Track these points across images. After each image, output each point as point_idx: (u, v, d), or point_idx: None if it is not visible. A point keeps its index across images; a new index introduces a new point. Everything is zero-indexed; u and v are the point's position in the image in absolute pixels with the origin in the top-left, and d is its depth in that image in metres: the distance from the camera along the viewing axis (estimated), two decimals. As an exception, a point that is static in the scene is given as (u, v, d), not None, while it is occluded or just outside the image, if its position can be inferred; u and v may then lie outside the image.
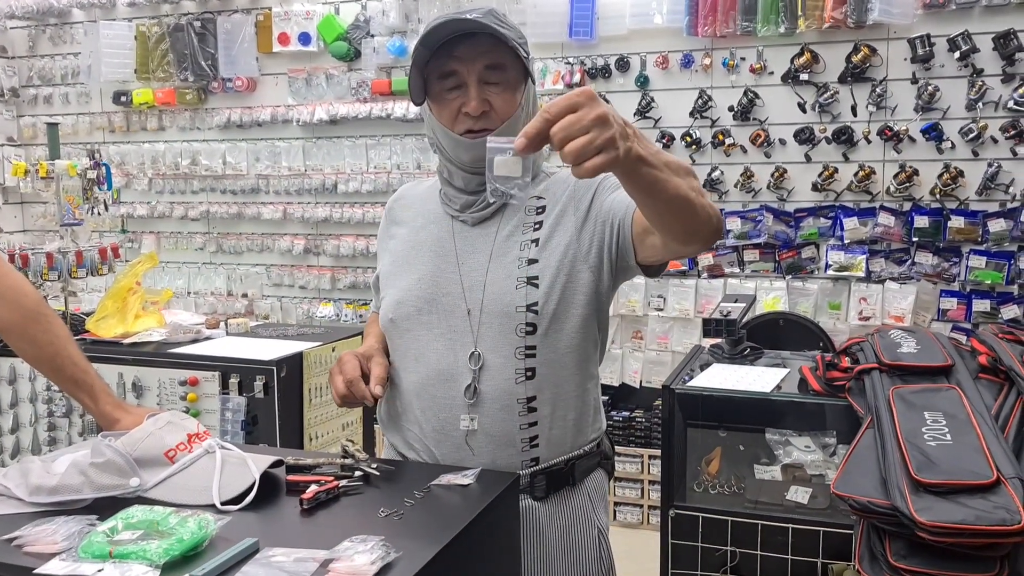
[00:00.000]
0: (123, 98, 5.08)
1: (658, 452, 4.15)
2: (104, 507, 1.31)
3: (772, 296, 4.09)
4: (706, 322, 2.26)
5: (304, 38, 4.73)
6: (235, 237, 5.03)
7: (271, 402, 2.46)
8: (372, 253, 4.75)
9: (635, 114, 4.26)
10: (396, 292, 1.61)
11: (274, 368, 2.46)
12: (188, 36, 4.90)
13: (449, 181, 1.61)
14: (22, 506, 1.34)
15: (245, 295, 4.99)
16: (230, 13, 4.87)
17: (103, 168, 2.81)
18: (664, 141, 4.23)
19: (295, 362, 2.54)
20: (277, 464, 1.44)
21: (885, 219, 3.90)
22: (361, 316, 4.76)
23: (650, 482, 4.25)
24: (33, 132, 5.34)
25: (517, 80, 1.52)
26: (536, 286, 1.51)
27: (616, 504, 4.30)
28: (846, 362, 1.90)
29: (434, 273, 1.58)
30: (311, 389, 2.58)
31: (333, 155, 4.78)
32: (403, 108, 4.54)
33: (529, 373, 1.51)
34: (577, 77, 4.32)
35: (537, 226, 1.56)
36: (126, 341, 2.69)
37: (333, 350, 2.68)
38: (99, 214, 2.85)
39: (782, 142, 4.07)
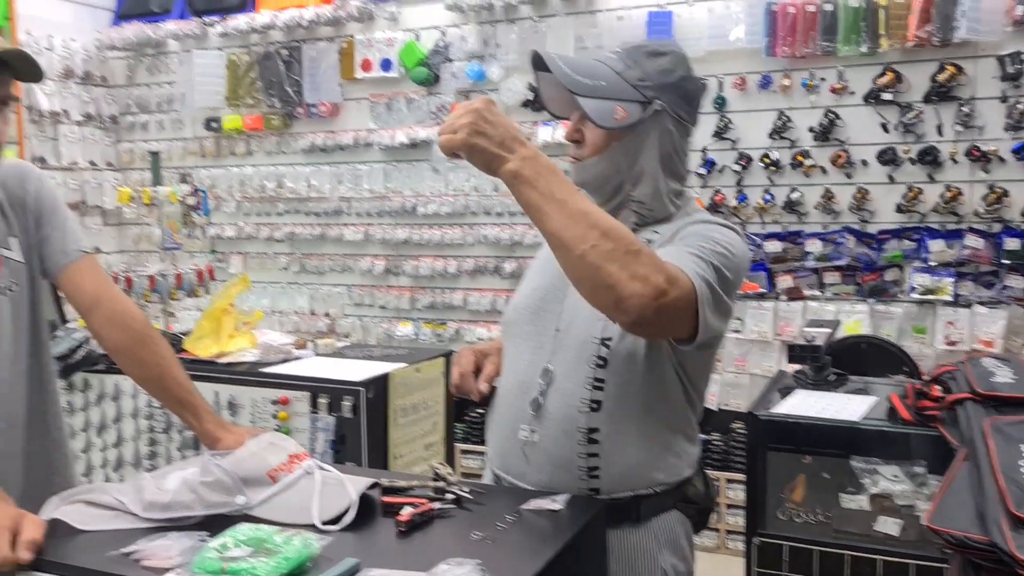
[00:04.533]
0: (214, 124, 5.29)
1: (736, 476, 4.13)
2: (212, 524, 1.38)
3: (854, 319, 4.02)
4: (791, 348, 2.25)
5: (386, 64, 4.86)
6: (318, 258, 5.17)
7: (358, 422, 2.53)
8: (450, 274, 4.83)
9: (712, 135, 4.25)
10: (516, 297, 1.68)
11: (362, 389, 2.53)
12: (276, 64, 5.08)
13: None
14: (136, 521, 1.41)
15: (327, 314, 5.12)
16: (315, 41, 5.04)
17: (200, 195, 2.95)
18: (742, 163, 4.20)
19: (381, 383, 2.61)
20: (372, 486, 1.49)
21: (973, 241, 3.80)
22: (439, 335, 4.83)
23: (728, 506, 4.20)
24: (130, 157, 5.60)
25: None
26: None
27: (693, 528, 4.25)
28: (937, 391, 1.86)
29: (546, 288, 1.62)
30: (396, 410, 2.64)
31: (413, 178, 4.89)
32: (481, 131, 4.61)
33: (595, 405, 1.51)
34: (654, 99, 4.32)
35: None
36: (221, 360, 2.80)
37: (417, 371, 2.75)
38: (197, 239, 2.98)
39: (864, 163, 4.00)
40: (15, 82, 1.73)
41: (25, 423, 1.84)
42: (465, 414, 4.57)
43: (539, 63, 1.54)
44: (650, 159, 1.54)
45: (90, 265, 1.91)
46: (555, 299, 1.59)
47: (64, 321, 2.25)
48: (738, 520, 4.06)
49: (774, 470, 2.10)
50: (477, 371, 1.68)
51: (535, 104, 4.56)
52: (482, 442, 4.58)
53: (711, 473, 4.16)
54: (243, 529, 1.31)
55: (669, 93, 1.54)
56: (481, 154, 1.33)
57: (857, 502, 2.02)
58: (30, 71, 1.70)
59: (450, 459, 3.04)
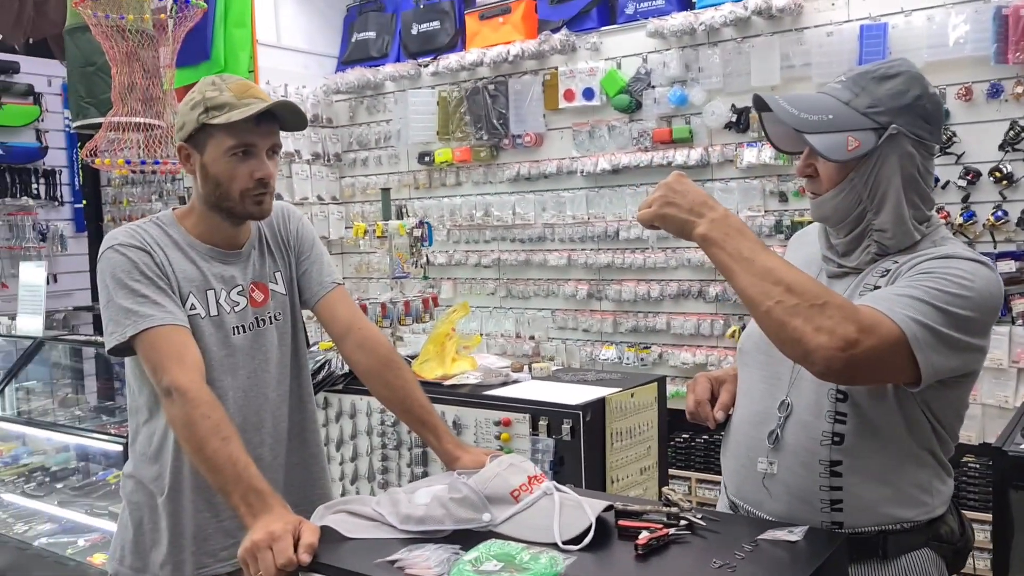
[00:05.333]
0: (426, 157, 5.62)
1: (969, 514, 3.84)
2: (461, 538, 1.49)
3: (1106, 346, 3.65)
4: (1039, 380, 2.09)
5: (588, 93, 4.96)
6: (523, 283, 5.35)
7: (577, 444, 2.60)
8: (653, 298, 4.84)
9: (935, 150, 4.01)
10: (751, 325, 1.65)
11: (580, 412, 2.61)
12: (483, 98, 5.33)
13: None
14: (393, 531, 1.55)
15: (532, 337, 5.27)
16: (520, 75, 5.24)
17: (425, 227, 3.16)
18: (968, 178, 3.94)
19: (598, 407, 2.67)
20: (607, 508, 1.55)
21: None
22: (642, 359, 4.85)
23: (959, 546, 3.91)
24: (351, 191, 6.05)
25: None
26: None
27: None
28: None
29: None
30: (612, 433, 2.69)
31: (615, 203, 4.95)
32: (684, 155, 4.62)
33: (837, 438, 1.50)
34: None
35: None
36: (446, 383, 2.98)
37: (632, 396, 2.79)
38: (421, 267, 3.19)
39: (1115, 174, 3.65)
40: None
41: (287, 437, 2.06)
42: (672, 439, 4.55)
43: (761, 104, 1.55)
44: (892, 184, 1.51)
45: (342, 295, 2.11)
46: None
47: (307, 345, 2.49)
48: (971, 562, 3.78)
49: (1022, 511, 1.97)
50: (712, 398, 1.71)
51: (739, 125, 4.51)
52: (688, 467, 4.55)
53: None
54: (493, 545, 1.40)
55: (905, 115, 1.50)
56: (673, 222, 1.51)
57: (1126, 550, 1.85)
58: (296, 121, 1.91)
59: (663, 484, 3.05)
